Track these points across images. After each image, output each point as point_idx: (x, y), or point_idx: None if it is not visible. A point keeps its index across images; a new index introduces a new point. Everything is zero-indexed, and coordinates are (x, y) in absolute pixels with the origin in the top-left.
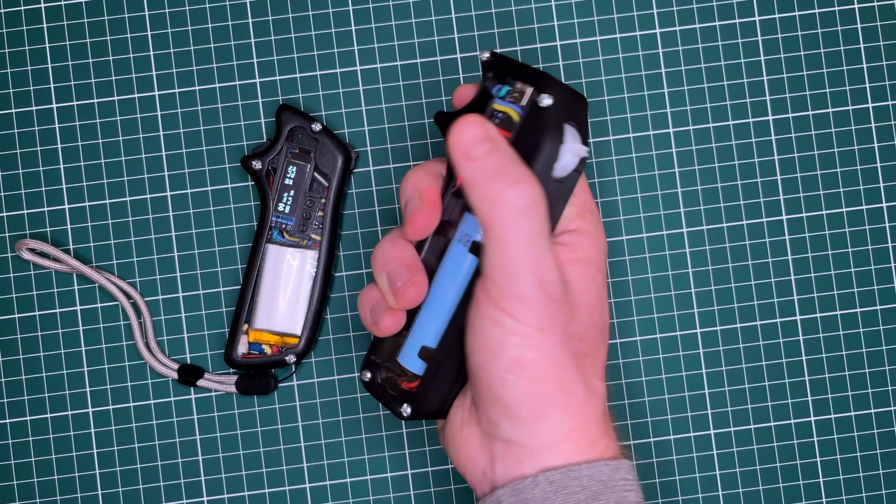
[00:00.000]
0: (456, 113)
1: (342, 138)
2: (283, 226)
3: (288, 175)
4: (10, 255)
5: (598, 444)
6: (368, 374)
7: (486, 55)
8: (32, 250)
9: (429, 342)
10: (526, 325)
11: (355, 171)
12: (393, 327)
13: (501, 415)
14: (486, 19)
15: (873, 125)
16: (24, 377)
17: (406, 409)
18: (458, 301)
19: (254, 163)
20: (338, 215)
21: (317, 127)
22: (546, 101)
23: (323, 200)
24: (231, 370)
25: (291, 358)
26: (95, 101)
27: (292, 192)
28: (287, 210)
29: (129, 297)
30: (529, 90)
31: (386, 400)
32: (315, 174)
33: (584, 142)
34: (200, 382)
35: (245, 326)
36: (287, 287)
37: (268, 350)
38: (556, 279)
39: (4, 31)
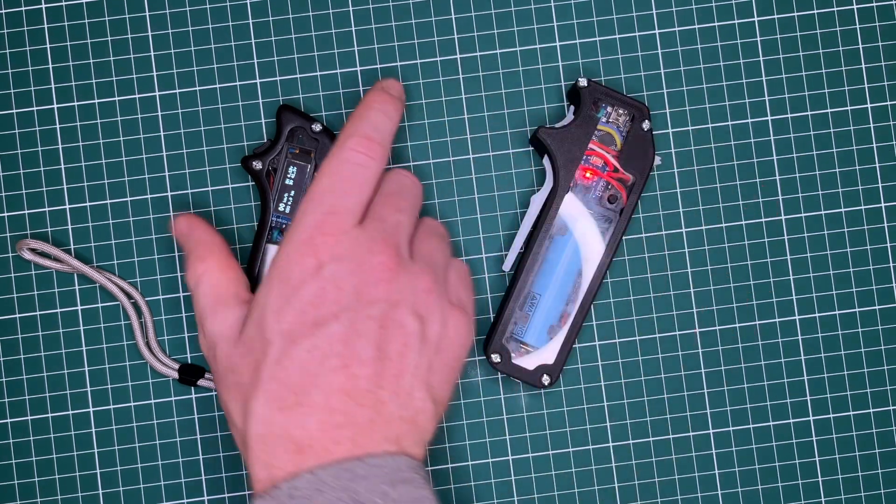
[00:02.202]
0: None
1: None
2: (284, 226)
3: (289, 175)
4: (10, 255)
5: (254, 477)
6: (498, 357)
7: (584, 82)
8: (33, 250)
9: (554, 321)
10: None
11: None
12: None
13: None
14: (486, 20)
15: (872, 125)
16: (24, 377)
17: (546, 379)
18: (572, 282)
19: (254, 163)
20: None
21: (317, 127)
22: (647, 124)
23: None
24: None
25: None
26: (96, 101)
27: (293, 193)
28: (288, 210)
29: (129, 296)
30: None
31: (521, 375)
32: (315, 174)
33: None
34: (201, 382)
35: None
36: None
37: None
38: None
39: (5, 31)
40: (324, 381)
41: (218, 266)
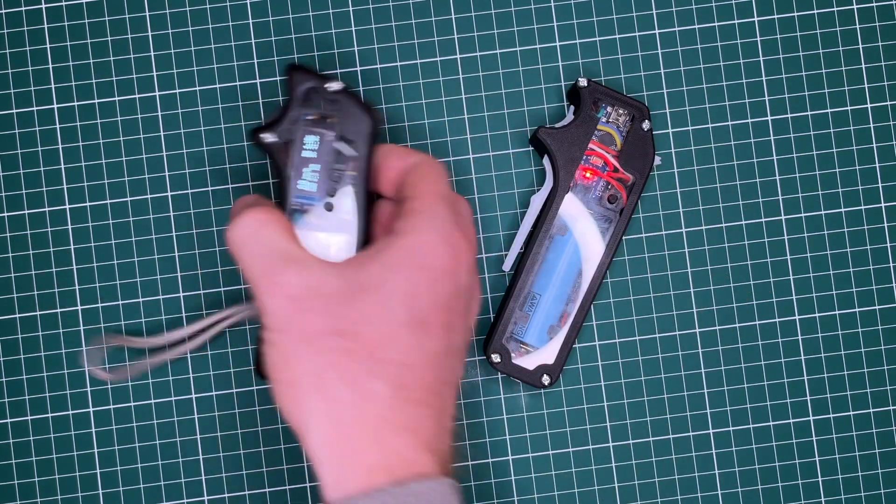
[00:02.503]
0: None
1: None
2: (307, 207)
3: (306, 146)
4: (10, 255)
5: (359, 462)
6: (498, 357)
7: (584, 82)
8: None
9: (553, 321)
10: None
11: None
12: None
13: None
14: (486, 20)
15: (872, 126)
16: (24, 377)
17: (546, 379)
18: (572, 282)
19: (266, 135)
20: (368, 189)
21: (334, 86)
22: (647, 124)
23: (352, 173)
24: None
25: None
26: (96, 101)
27: (317, 167)
28: (311, 188)
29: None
30: (623, 113)
31: (521, 375)
32: (337, 144)
33: None
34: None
35: None
36: None
37: None
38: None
39: (5, 31)
40: (445, 390)
41: (284, 218)
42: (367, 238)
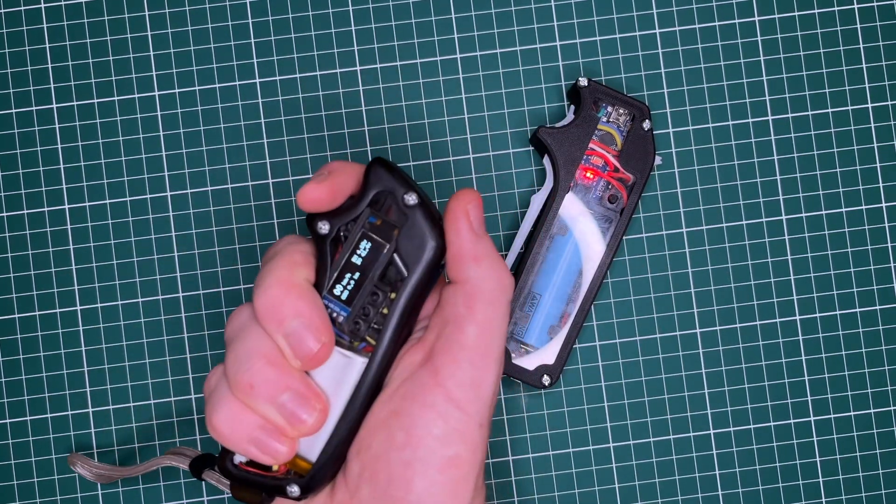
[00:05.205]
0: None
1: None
2: (335, 315)
3: (358, 251)
4: (10, 255)
5: None
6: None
7: (585, 82)
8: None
9: (554, 321)
10: (471, 419)
11: None
12: (291, 455)
13: None
14: (486, 20)
15: (872, 125)
16: (24, 377)
17: (546, 379)
18: (573, 282)
19: (320, 224)
20: (407, 321)
21: (412, 199)
22: (648, 124)
23: (392, 295)
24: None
25: (294, 490)
26: (95, 101)
27: (356, 276)
28: (345, 297)
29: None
30: (625, 113)
31: (521, 375)
32: (395, 257)
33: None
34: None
35: None
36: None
37: (275, 467)
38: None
39: (4, 31)
40: None
41: None
42: (385, 369)
